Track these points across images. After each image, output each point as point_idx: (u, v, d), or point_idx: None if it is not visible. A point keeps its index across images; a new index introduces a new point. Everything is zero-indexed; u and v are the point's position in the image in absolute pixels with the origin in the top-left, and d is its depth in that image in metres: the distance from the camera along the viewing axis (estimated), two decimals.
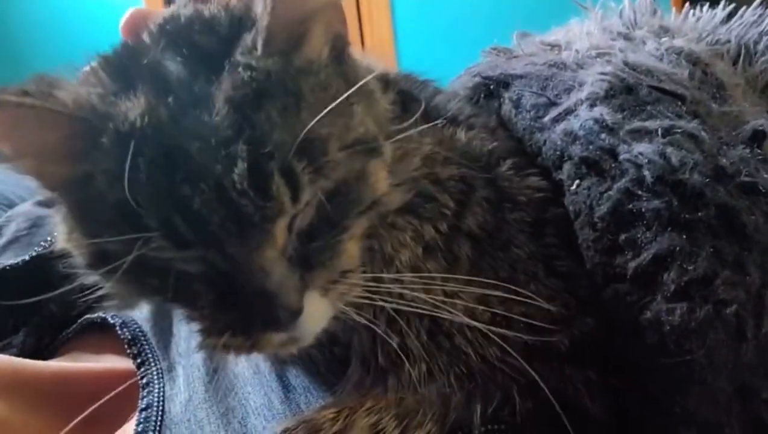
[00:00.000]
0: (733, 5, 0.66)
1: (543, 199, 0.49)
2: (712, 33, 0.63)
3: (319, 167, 0.36)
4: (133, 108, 0.35)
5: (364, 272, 0.42)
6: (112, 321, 0.59)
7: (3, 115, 0.36)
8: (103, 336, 0.61)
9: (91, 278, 0.43)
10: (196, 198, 0.34)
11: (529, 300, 0.44)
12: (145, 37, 0.40)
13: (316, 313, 0.39)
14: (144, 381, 0.53)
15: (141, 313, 0.61)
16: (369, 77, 0.41)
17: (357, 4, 3.08)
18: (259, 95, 0.36)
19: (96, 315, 0.60)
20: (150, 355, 0.56)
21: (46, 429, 0.52)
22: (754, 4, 0.65)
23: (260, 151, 0.34)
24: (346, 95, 0.38)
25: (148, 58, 0.38)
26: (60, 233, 0.42)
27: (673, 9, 0.69)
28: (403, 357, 0.45)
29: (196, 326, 0.41)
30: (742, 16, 0.64)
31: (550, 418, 0.45)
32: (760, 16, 0.64)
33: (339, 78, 0.41)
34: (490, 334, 0.44)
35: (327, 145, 0.37)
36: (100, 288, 0.44)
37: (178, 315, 0.60)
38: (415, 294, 0.43)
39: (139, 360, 0.55)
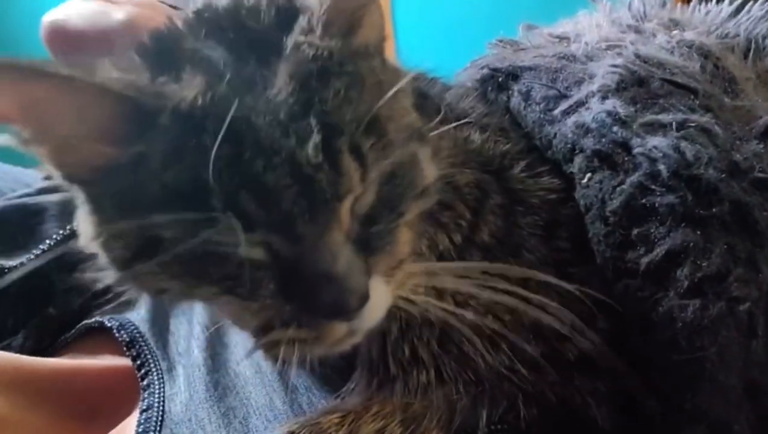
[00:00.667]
0: (739, 0, 0.65)
1: (555, 201, 0.48)
2: (720, 26, 0.62)
3: (382, 147, 0.36)
4: (190, 87, 0.34)
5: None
6: (109, 325, 0.58)
7: (26, 90, 0.33)
8: (101, 340, 0.60)
9: (116, 276, 0.39)
10: (268, 173, 0.32)
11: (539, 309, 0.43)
12: (182, 26, 0.39)
13: (380, 301, 0.38)
14: (144, 382, 0.53)
15: (138, 315, 0.60)
16: (410, 75, 0.40)
17: None
18: (324, 72, 0.35)
19: (93, 319, 0.59)
20: (149, 356, 0.55)
21: (45, 426, 0.51)
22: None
23: (331, 126, 0.33)
24: (404, 81, 0.38)
25: (189, 43, 0.37)
26: (85, 229, 0.39)
27: (678, 4, 0.68)
28: (414, 365, 0.45)
29: (248, 324, 0.39)
30: (749, 10, 0.64)
31: (555, 426, 0.45)
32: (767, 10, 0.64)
33: (384, 67, 0.40)
34: (499, 343, 0.44)
35: (387, 126, 0.36)
36: (105, 291, 0.42)
37: (177, 314, 0.60)
38: (428, 300, 0.42)
39: (138, 362, 0.54)
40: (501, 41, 0.61)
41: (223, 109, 0.32)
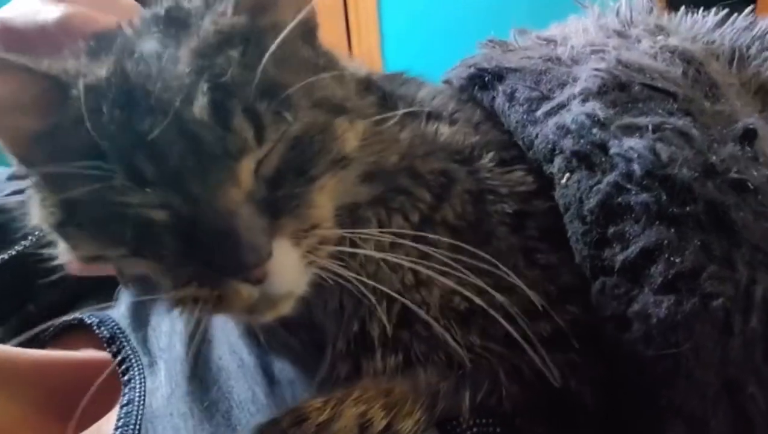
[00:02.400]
0: (725, 11, 0.67)
1: (526, 192, 0.50)
2: (706, 35, 0.64)
3: (283, 111, 0.38)
4: (103, 65, 0.39)
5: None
6: (88, 321, 0.59)
7: None
8: (82, 337, 0.62)
9: (62, 250, 0.44)
10: (155, 131, 0.36)
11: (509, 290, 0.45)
12: (125, 26, 0.44)
13: (287, 264, 0.39)
14: (125, 377, 0.54)
15: (118, 311, 0.61)
16: (330, 53, 0.46)
17: (345, 13, 3.13)
18: (223, 43, 0.39)
19: (72, 316, 0.60)
20: (130, 352, 0.57)
21: (23, 416, 0.52)
22: (746, 11, 0.67)
23: (223, 89, 0.37)
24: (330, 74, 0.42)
25: (123, 37, 0.42)
26: (34, 208, 0.43)
27: (665, 12, 0.70)
28: (375, 343, 0.47)
29: (163, 286, 0.41)
30: (734, 21, 0.66)
31: (541, 409, 0.46)
32: (752, 22, 0.66)
33: (309, 50, 0.45)
34: (469, 322, 0.46)
35: (292, 94, 0.39)
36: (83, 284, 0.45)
37: (159, 311, 0.61)
38: (386, 275, 0.44)
39: (119, 358, 0.56)
40: (491, 41, 0.63)
41: (124, 81, 0.38)
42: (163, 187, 0.37)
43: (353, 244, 0.44)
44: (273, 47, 0.38)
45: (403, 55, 3.06)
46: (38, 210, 0.43)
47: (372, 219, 0.46)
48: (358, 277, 0.43)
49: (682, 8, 0.69)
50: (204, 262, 0.38)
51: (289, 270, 0.40)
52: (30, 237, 0.66)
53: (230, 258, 0.37)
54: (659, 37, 0.58)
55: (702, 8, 0.68)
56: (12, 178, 0.77)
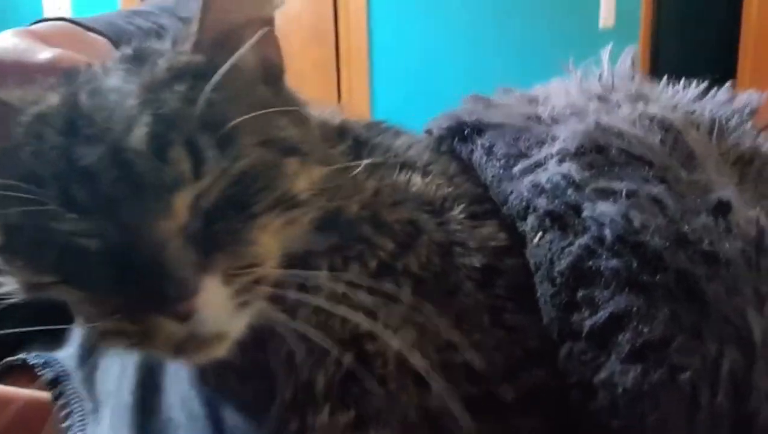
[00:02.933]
0: (706, 83, 0.68)
1: (497, 248, 0.50)
2: (687, 105, 0.65)
3: (226, 147, 0.39)
4: (57, 96, 0.40)
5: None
6: (32, 361, 0.57)
7: None
8: (26, 378, 0.59)
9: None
10: (89, 156, 0.37)
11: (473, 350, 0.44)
12: (96, 66, 0.45)
13: (216, 302, 0.38)
14: (64, 425, 0.52)
15: (67, 352, 0.59)
16: (298, 106, 0.46)
17: (337, 67, 3.22)
18: (172, 79, 0.40)
19: (16, 357, 0.58)
20: (72, 396, 0.54)
21: None
22: (726, 85, 0.68)
23: (164, 121, 0.37)
24: (276, 110, 0.42)
25: (88, 74, 0.43)
26: None
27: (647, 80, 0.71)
28: (322, 396, 0.45)
29: (88, 316, 0.40)
30: (714, 95, 0.67)
31: None
32: (732, 96, 0.67)
33: (269, 93, 0.45)
34: (427, 382, 0.43)
35: (239, 132, 0.39)
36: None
37: (110, 353, 0.59)
38: (337, 324, 0.43)
39: (61, 402, 0.53)
40: (474, 97, 0.63)
41: (72, 110, 0.39)
42: (96, 215, 0.37)
43: (303, 291, 0.43)
44: (214, 79, 0.39)
45: (391, 111, 3.14)
46: None
47: (323, 265, 0.45)
48: (303, 325, 0.42)
49: (665, 78, 0.70)
50: (130, 294, 0.37)
51: (217, 308, 0.39)
52: None
53: (154, 291, 0.36)
54: (639, 104, 0.59)
55: (683, 79, 0.70)
56: None
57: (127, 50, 0.44)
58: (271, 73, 0.46)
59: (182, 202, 0.38)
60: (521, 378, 0.46)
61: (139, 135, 0.37)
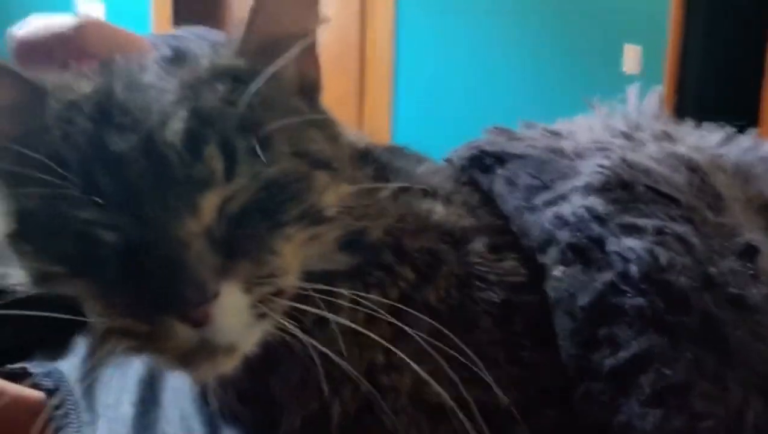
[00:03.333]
0: (731, 130, 0.68)
1: (517, 283, 0.49)
2: (712, 149, 0.64)
3: (260, 151, 0.37)
4: (91, 83, 0.39)
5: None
6: (33, 370, 0.56)
7: None
8: (26, 386, 0.58)
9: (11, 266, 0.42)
10: (120, 144, 0.35)
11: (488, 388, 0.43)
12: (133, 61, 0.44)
13: (234, 309, 0.37)
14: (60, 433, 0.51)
15: (69, 363, 0.58)
16: (327, 115, 0.46)
17: (360, 96, 3.27)
18: (212, 79, 0.39)
19: (18, 365, 0.57)
20: (71, 407, 0.53)
21: None
22: (750, 131, 0.68)
23: (201, 119, 0.36)
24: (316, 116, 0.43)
25: (124, 66, 0.42)
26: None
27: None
28: (333, 427, 0.44)
29: (94, 313, 0.39)
30: (739, 141, 0.67)
31: None
32: (756, 143, 0.66)
33: (304, 106, 0.44)
34: (441, 419, 0.42)
35: (273, 138, 0.39)
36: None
37: (113, 366, 0.58)
38: (356, 353, 0.42)
39: (60, 412, 0.52)
40: (497, 128, 0.63)
41: (105, 99, 0.38)
42: (118, 206, 0.35)
43: (323, 318, 0.42)
44: (257, 83, 0.38)
45: (412, 142, 3.17)
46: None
47: (346, 288, 0.44)
48: (323, 349, 0.40)
49: (689, 121, 0.69)
50: (144, 293, 0.36)
51: (234, 317, 0.37)
52: None
53: (172, 292, 0.35)
54: (665, 144, 0.58)
55: (713, 116, 0.69)
56: None
57: (166, 51, 0.44)
58: (308, 87, 0.46)
59: (210, 202, 0.37)
60: (534, 418, 0.45)
61: (174, 128, 0.36)
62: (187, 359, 0.38)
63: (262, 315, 0.38)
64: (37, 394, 0.55)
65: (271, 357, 0.44)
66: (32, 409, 0.53)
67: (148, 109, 0.37)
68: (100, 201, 0.35)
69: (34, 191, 0.36)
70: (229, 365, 0.40)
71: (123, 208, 0.36)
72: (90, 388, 0.55)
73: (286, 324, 0.39)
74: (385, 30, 3.35)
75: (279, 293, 0.39)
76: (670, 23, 3.47)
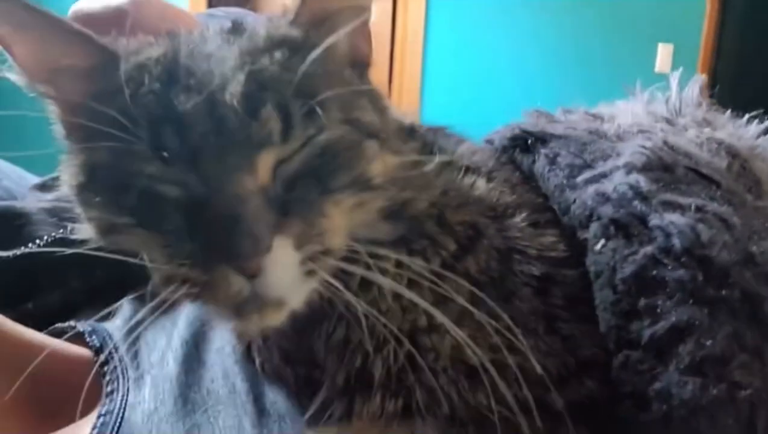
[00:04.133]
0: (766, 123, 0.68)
1: (556, 258, 0.50)
2: (749, 140, 0.65)
3: (314, 118, 0.40)
4: (158, 49, 0.42)
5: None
6: (81, 329, 0.59)
7: (34, 32, 0.42)
8: (73, 343, 0.61)
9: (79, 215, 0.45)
10: (185, 103, 0.38)
11: (524, 354, 0.44)
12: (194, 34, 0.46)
13: (285, 264, 0.39)
14: (108, 388, 0.53)
15: (113, 324, 0.61)
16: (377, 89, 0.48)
17: (390, 75, 3.26)
18: (270, 47, 0.41)
19: (66, 323, 0.60)
20: (117, 363, 0.56)
21: None
22: None
23: (259, 83, 0.39)
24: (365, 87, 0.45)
25: (186, 36, 0.45)
26: (65, 173, 0.45)
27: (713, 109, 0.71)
28: (375, 383, 0.46)
29: (156, 261, 0.41)
30: None
31: None
32: None
33: (355, 75, 0.46)
34: (478, 380, 0.44)
35: (329, 106, 0.41)
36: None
37: (157, 327, 0.61)
38: (398, 313, 0.44)
39: (105, 368, 0.55)
40: (537, 111, 0.64)
41: (172, 63, 0.41)
42: (181, 162, 0.38)
43: (368, 280, 0.44)
44: (317, 51, 0.40)
45: (440, 105, 3.19)
46: (67, 174, 0.44)
47: (391, 258, 0.46)
48: (368, 309, 0.42)
49: (728, 111, 0.70)
50: (202, 244, 0.38)
51: (285, 271, 0.39)
52: (41, 240, 0.67)
53: (228, 244, 0.37)
54: (706, 129, 0.59)
55: (746, 114, 0.70)
56: (37, 187, 0.80)
57: (226, 23, 0.46)
58: (359, 61, 0.48)
59: (266, 162, 0.39)
60: (572, 388, 0.46)
61: (234, 90, 0.38)
62: (239, 310, 0.40)
63: (310, 272, 0.41)
64: (84, 351, 0.57)
65: (315, 317, 0.46)
66: (79, 364, 0.56)
67: (211, 73, 0.39)
68: (165, 155, 0.38)
69: (104, 145, 0.39)
70: (276, 319, 0.42)
71: (186, 165, 0.38)
72: (134, 347, 0.57)
73: (334, 282, 0.41)
74: (416, 25, 3.35)
75: (326, 252, 0.41)
76: (706, 21, 3.42)
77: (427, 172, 0.48)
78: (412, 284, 0.45)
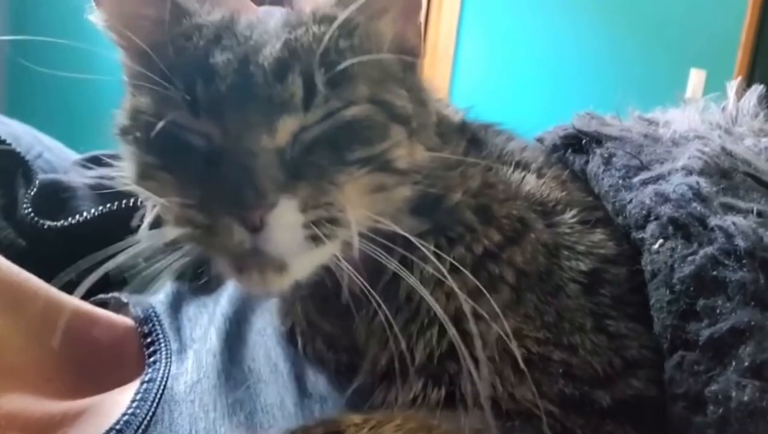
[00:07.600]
0: None
1: (605, 256, 0.51)
2: None
3: (341, 91, 0.43)
4: (217, 15, 0.47)
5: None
6: (125, 300, 0.60)
7: None
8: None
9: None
10: (219, 62, 0.42)
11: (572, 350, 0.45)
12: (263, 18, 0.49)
13: (287, 222, 0.41)
14: (151, 359, 0.54)
15: (156, 297, 0.62)
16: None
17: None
18: (310, 21, 0.45)
19: (110, 295, 0.62)
20: (160, 334, 0.57)
21: (45, 360, 0.51)
22: None
23: (292, 51, 0.43)
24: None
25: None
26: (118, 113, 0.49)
27: None
28: (421, 374, 0.46)
29: (171, 199, 0.44)
30: None
31: None
32: None
33: (396, 64, 0.48)
34: (523, 373, 0.44)
35: (356, 81, 0.44)
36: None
37: (199, 304, 0.62)
38: (442, 297, 0.45)
39: (149, 339, 0.56)
40: (588, 113, 0.65)
41: (223, 27, 0.45)
42: (209, 116, 0.42)
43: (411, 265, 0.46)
44: (340, 19, 0.44)
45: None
46: (119, 114, 0.49)
47: (429, 242, 0.47)
48: (418, 285, 0.44)
49: None
50: (213, 190, 0.41)
51: (287, 230, 0.41)
52: (88, 213, 0.68)
53: (235, 194, 0.40)
54: (764, 139, 0.59)
55: None
56: (78, 163, 0.82)
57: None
58: (406, 51, 0.49)
59: (286, 125, 0.42)
60: (619, 386, 0.46)
61: (266, 53, 0.42)
62: (239, 263, 0.43)
63: (314, 238, 0.42)
64: (127, 320, 0.58)
65: (357, 299, 0.47)
66: (123, 333, 0.57)
67: (251, 38, 0.44)
68: (190, 100, 0.42)
69: (148, 90, 0.44)
70: (277, 283, 0.44)
71: (212, 118, 0.42)
72: (176, 322, 0.58)
73: (341, 258, 0.44)
74: (448, 30, 3.37)
75: (334, 222, 0.43)
76: (740, 49, 3.40)
77: (466, 169, 0.50)
78: (453, 270, 0.46)
